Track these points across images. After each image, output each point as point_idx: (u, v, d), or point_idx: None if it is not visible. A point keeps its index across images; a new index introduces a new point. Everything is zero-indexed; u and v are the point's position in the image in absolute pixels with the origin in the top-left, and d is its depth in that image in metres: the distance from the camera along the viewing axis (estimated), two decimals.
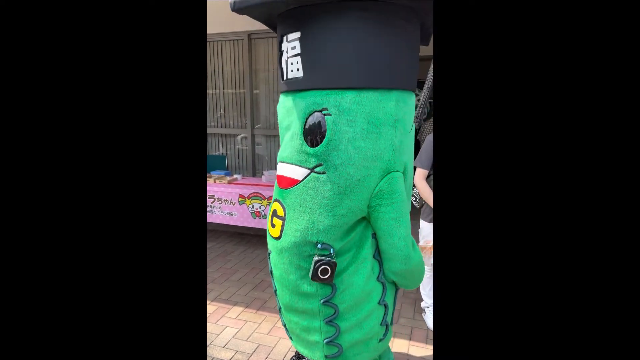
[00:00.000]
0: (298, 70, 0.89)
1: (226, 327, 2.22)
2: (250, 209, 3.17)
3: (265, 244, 3.79)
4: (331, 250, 0.97)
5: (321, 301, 1.01)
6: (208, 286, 2.69)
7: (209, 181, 3.35)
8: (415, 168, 2.12)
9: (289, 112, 0.95)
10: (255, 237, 3.84)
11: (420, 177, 1.98)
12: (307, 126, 0.90)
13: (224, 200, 3.26)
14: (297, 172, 0.94)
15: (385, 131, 0.93)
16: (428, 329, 2.23)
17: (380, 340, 1.12)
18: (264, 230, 3.85)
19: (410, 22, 0.90)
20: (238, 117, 4.47)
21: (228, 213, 3.26)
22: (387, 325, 1.13)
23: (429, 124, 5.07)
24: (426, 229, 2.14)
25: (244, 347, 2.03)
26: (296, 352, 1.25)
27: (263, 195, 3.09)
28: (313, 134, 0.90)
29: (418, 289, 2.50)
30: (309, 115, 0.90)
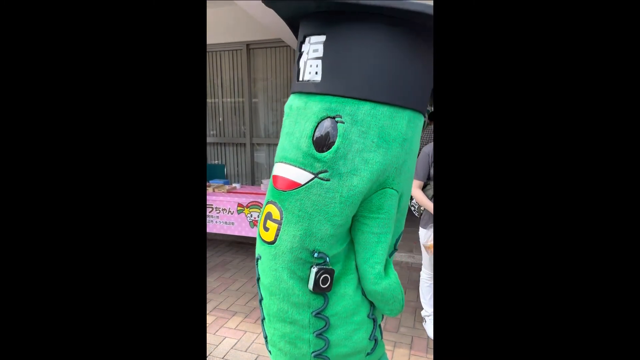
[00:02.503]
0: (316, 73, 0.89)
1: (225, 337, 2.20)
2: (248, 218, 3.16)
3: None
4: (327, 259, 0.96)
5: (313, 313, 0.99)
6: (207, 296, 2.67)
7: (208, 190, 3.35)
8: None
9: (298, 113, 0.95)
10: (254, 247, 3.83)
11: (415, 187, 2.06)
12: (317, 130, 0.90)
13: (222, 210, 3.25)
14: (300, 175, 0.93)
15: (394, 148, 0.93)
16: (428, 337, 2.22)
17: (368, 354, 1.10)
18: None
19: (430, 44, 0.90)
20: (237, 126, 4.48)
21: (226, 222, 3.25)
22: (375, 340, 1.11)
23: (425, 133, 5.09)
24: (425, 237, 2.14)
25: (243, 358, 2.01)
26: None
27: (262, 204, 3.09)
28: (323, 139, 0.90)
29: (418, 298, 2.48)
30: (322, 120, 0.90)
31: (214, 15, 4.10)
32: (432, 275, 2.20)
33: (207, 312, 2.46)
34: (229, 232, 3.25)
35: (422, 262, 2.24)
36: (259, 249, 1.03)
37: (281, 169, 0.96)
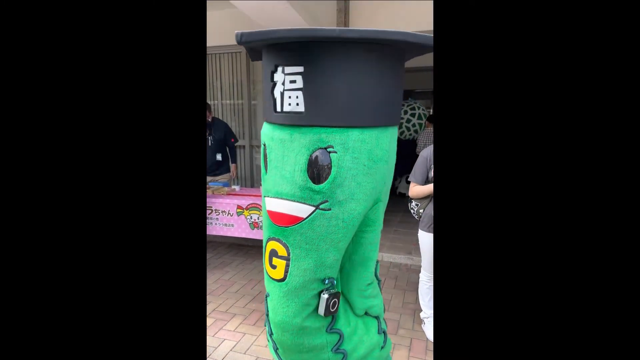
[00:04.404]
0: (298, 104, 0.88)
1: (224, 339, 2.20)
2: (248, 220, 3.16)
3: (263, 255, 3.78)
4: (334, 282, 0.98)
5: (327, 330, 1.02)
6: (206, 298, 2.67)
7: (207, 192, 3.35)
8: (409, 182, 2.17)
9: (284, 145, 0.94)
10: (253, 248, 3.83)
11: (412, 188, 2.11)
12: (311, 163, 0.90)
13: (222, 212, 3.25)
14: (301, 209, 0.93)
15: (381, 167, 0.95)
16: (427, 339, 2.21)
17: (382, 347, 1.14)
18: (262, 241, 3.83)
19: (401, 61, 0.95)
20: (236, 128, 4.49)
21: (225, 224, 3.25)
22: (384, 333, 1.15)
23: (424, 135, 5.09)
24: (425, 239, 2.14)
25: None
26: None
27: (261, 206, 3.08)
28: (318, 171, 0.90)
29: (417, 300, 2.48)
30: (313, 152, 0.90)
31: (213, 17, 4.11)
32: (432, 277, 2.20)
33: (207, 314, 2.46)
34: (228, 234, 3.25)
35: (422, 264, 2.24)
36: (268, 286, 1.03)
37: (278, 205, 0.95)
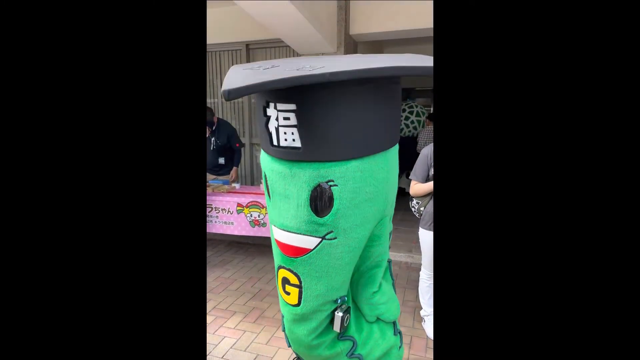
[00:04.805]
0: (294, 140, 0.87)
1: (224, 337, 2.20)
2: (248, 218, 3.16)
3: (263, 253, 3.79)
4: (344, 298, 1.02)
5: (338, 338, 1.06)
6: (206, 296, 2.68)
7: (207, 190, 3.35)
8: (410, 180, 2.17)
9: (285, 180, 0.93)
10: (253, 246, 3.83)
11: (413, 186, 2.12)
12: (313, 197, 0.89)
13: (222, 210, 3.25)
14: (307, 241, 0.94)
15: (384, 187, 0.96)
16: (427, 337, 2.22)
17: (400, 347, 1.19)
18: (262, 239, 3.86)
19: (397, 84, 0.94)
20: (236, 126, 4.48)
21: (225, 222, 3.25)
22: (399, 333, 1.19)
23: (425, 133, 5.08)
24: (425, 237, 2.14)
25: (243, 358, 2.01)
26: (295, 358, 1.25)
27: (261, 204, 3.09)
28: (321, 205, 0.91)
29: (417, 298, 2.49)
30: (314, 187, 0.89)
31: (213, 15, 4.10)
32: (432, 275, 2.20)
33: (207, 311, 2.46)
34: (228, 232, 3.25)
35: (422, 262, 2.24)
36: (283, 309, 1.07)
37: (285, 237, 0.96)
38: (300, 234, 0.93)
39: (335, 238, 0.91)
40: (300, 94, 0.82)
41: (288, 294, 1.01)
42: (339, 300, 1.00)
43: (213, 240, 4.00)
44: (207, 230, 3.29)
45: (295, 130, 0.86)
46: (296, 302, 1.00)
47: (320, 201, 0.89)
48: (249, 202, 3.15)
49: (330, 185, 0.87)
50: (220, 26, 4.12)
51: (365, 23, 3.67)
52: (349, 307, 1.02)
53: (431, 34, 0.79)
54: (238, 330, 2.27)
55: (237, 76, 0.76)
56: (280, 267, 1.01)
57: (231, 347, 2.10)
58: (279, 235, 0.98)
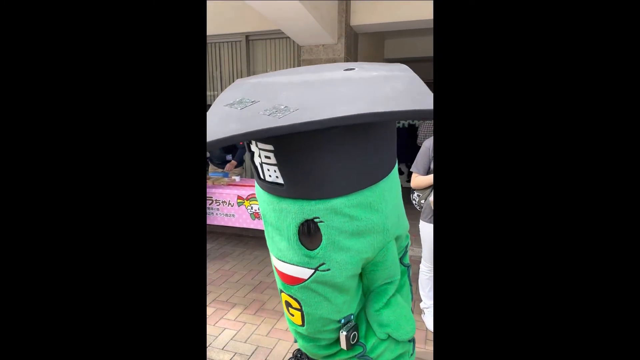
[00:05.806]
0: (277, 177, 0.85)
1: (225, 329, 2.22)
2: (249, 210, 3.16)
3: (263, 245, 3.79)
4: (351, 317, 1.03)
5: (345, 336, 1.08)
6: (207, 288, 2.69)
7: (207, 183, 3.35)
8: (411, 173, 2.17)
9: (275, 212, 0.92)
10: (253, 239, 3.84)
11: (414, 178, 2.11)
12: (301, 233, 0.88)
13: (222, 202, 3.25)
14: (301, 272, 0.94)
15: (377, 218, 0.92)
16: (427, 329, 2.23)
17: (411, 355, 1.19)
18: (262, 232, 3.85)
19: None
20: None
21: (226, 214, 3.25)
22: (413, 339, 1.19)
23: (425, 126, 5.06)
24: (426, 230, 2.14)
25: (243, 349, 2.02)
26: (294, 352, 1.27)
27: None
28: (309, 240, 0.89)
29: (417, 290, 2.49)
30: (301, 222, 0.87)
31: (212, 6, 4.06)
32: (432, 268, 2.21)
33: (207, 303, 2.47)
34: (229, 224, 3.25)
35: (422, 254, 2.24)
36: (290, 327, 1.09)
37: (281, 266, 0.96)
38: (293, 264, 0.92)
39: (328, 270, 0.90)
40: (276, 137, 0.79)
41: (293, 315, 1.03)
42: (343, 320, 1.01)
43: (213, 232, 4.01)
44: (208, 223, 3.30)
45: (276, 168, 0.84)
46: (300, 323, 1.02)
47: (308, 237, 0.87)
48: (249, 195, 3.15)
49: (317, 222, 0.85)
50: (220, 17, 4.08)
51: (366, 14, 3.63)
52: (355, 325, 1.02)
53: (431, 25, 0.77)
54: (238, 322, 2.29)
55: (214, 118, 0.76)
56: (281, 291, 1.02)
57: (231, 339, 2.12)
58: (275, 263, 0.99)
